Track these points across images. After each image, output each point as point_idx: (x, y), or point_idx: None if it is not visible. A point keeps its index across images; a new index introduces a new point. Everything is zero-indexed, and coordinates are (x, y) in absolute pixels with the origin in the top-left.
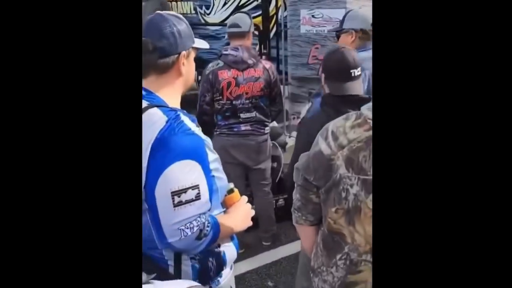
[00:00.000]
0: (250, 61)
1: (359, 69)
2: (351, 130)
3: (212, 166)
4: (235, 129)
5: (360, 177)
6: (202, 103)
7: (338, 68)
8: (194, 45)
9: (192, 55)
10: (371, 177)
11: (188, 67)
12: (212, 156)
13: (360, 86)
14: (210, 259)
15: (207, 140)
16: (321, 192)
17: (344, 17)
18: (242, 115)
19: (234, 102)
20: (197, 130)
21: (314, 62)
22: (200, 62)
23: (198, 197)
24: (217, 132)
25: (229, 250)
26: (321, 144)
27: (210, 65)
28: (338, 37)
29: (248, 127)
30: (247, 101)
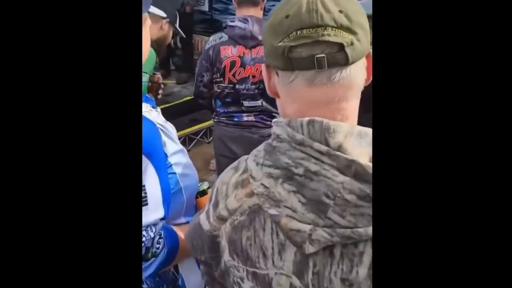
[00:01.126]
0: (261, 37)
1: None
2: (234, 192)
3: (172, 159)
4: (236, 119)
5: (249, 270)
6: (199, 83)
7: None
8: (151, 11)
9: (148, 22)
10: (263, 272)
11: (143, 37)
12: (173, 147)
13: None
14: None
15: (166, 126)
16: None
17: None
18: (245, 103)
19: (237, 87)
20: (150, 113)
21: None
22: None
23: (143, 202)
24: (215, 120)
25: (191, 275)
26: (201, 213)
27: (211, 37)
28: None
29: (252, 118)
30: (253, 86)
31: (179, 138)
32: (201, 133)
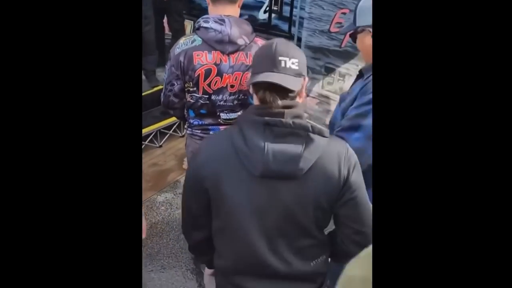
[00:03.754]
0: (241, 41)
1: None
2: None
3: None
4: (212, 132)
5: None
6: (168, 93)
7: (264, 56)
8: None
9: None
10: None
11: None
12: None
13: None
14: None
15: None
16: None
17: (355, 11)
18: (222, 115)
19: (213, 98)
20: None
21: (337, 31)
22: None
23: None
24: (189, 132)
25: None
26: None
27: (182, 41)
28: (354, 39)
29: None
30: (232, 97)
31: (149, 134)
32: (174, 127)
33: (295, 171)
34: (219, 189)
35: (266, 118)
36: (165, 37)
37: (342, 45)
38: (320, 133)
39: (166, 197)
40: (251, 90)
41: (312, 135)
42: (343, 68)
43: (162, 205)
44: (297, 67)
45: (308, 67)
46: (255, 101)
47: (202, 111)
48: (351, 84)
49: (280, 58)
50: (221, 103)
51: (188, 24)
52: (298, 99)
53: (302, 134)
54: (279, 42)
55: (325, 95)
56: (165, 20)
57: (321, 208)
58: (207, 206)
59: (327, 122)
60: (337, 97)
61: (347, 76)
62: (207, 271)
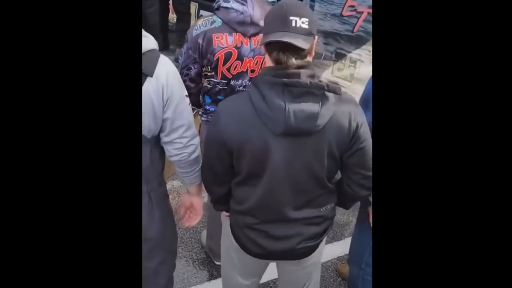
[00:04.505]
0: (263, 23)
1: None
2: None
3: None
4: None
5: None
6: (184, 77)
7: (275, 16)
8: None
9: None
10: None
11: None
12: None
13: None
14: None
15: None
16: None
17: None
18: None
19: (232, 83)
20: None
21: (349, 14)
22: None
23: None
24: (203, 119)
25: None
26: None
27: (200, 22)
28: None
29: None
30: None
31: None
32: None
33: (314, 128)
34: (244, 148)
35: (285, 79)
36: (169, 21)
37: (355, 30)
38: (335, 92)
39: (173, 185)
40: (263, 51)
41: (327, 93)
42: (355, 54)
43: (169, 193)
44: (307, 26)
45: (316, 53)
46: (269, 62)
47: (219, 96)
48: (362, 70)
49: (291, 18)
50: (240, 88)
51: (193, 6)
52: (308, 58)
53: (317, 93)
54: (290, 3)
55: (335, 81)
56: (170, 2)
57: (333, 158)
58: (230, 165)
59: None
60: (347, 84)
61: (359, 62)
62: (224, 213)
